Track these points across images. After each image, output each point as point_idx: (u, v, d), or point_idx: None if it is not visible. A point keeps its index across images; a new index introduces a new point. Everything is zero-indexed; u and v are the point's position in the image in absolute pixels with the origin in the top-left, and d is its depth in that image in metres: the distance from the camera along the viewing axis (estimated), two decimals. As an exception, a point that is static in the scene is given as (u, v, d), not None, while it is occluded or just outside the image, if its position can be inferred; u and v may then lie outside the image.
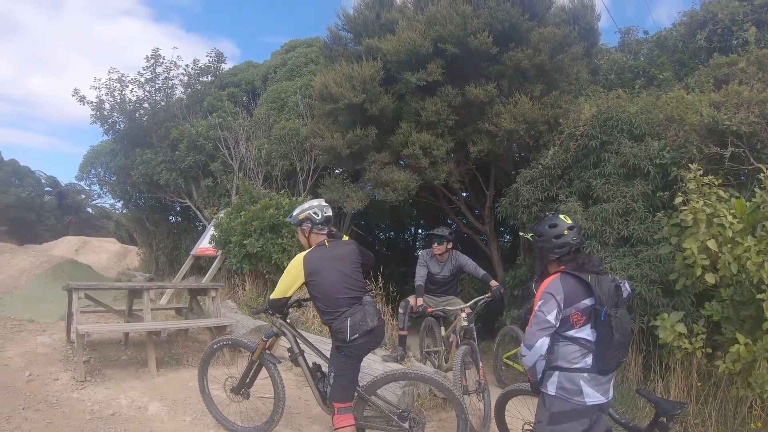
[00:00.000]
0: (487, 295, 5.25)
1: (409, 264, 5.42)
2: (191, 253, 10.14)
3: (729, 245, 4.38)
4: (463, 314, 5.00)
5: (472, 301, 5.25)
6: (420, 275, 5.58)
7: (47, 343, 5.70)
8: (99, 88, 11.20)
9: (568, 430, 2.73)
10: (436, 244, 5.57)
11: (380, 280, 6.83)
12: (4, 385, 4.41)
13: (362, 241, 10.05)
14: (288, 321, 3.84)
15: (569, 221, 2.88)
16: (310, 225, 3.60)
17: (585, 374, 2.68)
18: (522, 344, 2.75)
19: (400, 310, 5.60)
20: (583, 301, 2.69)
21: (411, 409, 3.81)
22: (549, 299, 2.67)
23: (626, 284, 2.82)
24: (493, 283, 5.36)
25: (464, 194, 9.01)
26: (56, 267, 8.81)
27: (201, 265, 10.60)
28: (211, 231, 9.23)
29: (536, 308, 2.71)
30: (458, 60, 7.30)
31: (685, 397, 4.73)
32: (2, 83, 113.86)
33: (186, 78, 12.09)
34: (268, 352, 3.82)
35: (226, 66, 13.29)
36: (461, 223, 8.84)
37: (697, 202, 4.53)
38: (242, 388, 3.92)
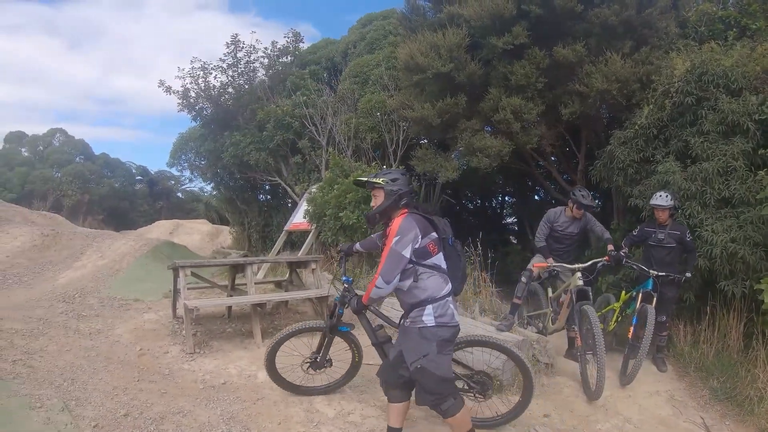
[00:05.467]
0: (604, 258, 5.16)
1: (495, 232, 5.47)
2: (285, 228, 10.56)
3: (839, 206, 4.12)
4: (578, 274, 4.95)
5: (589, 262, 5.14)
6: (542, 234, 5.55)
7: (153, 320, 5.97)
8: (183, 78, 11.89)
9: (449, 353, 3.05)
10: (574, 207, 5.44)
11: (479, 246, 6.92)
12: (118, 360, 4.61)
13: (451, 209, 10.20)
14: None
15: None
16: None
17: (449, 298, 3.03)
18: (380, 278, 2.93)
19: (523, 279, 5.55)
20: (432, 233, 3.03)
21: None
22: (405, 235, 2.92)
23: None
24: (610, 247, 5.24)
25: (552, 159, 8.91)
26: (154, 249, 9.15)
27: (293, 240, 11.05)
28: (303, 206, 9.56)
29: (392, 245, 2.92)
30: (543, 21, 7.22)
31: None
32: (90, 86, 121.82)
33: (266, 60, 12.50)
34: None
35: (304, 45, 13.60)
36: (550, 187, 8.78)
37: (803, 158, 4.30)
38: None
